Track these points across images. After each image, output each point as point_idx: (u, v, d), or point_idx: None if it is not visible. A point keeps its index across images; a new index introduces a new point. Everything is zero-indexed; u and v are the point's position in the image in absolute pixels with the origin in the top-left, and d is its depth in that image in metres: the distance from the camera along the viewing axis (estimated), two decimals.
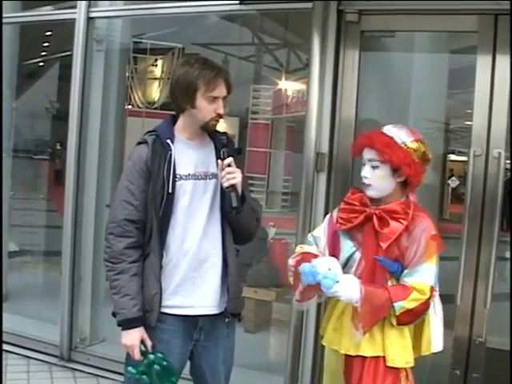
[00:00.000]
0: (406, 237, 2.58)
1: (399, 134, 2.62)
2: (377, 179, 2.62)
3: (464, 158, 3.78)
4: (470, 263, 3.47)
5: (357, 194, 2.72)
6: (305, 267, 2.53)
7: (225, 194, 2.58)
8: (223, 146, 2.60)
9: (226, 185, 2.55)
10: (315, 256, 2.66)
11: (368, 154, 2.63)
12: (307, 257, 2.65)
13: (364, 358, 2.63)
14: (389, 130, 2.65)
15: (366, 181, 2.64)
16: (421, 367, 2.84)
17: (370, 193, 2.65)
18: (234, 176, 2.55)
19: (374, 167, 2.62)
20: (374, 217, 2.61)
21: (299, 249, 2.82)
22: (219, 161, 2.59)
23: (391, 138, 2.60)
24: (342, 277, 2.51)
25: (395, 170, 2.60)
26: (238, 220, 2.63)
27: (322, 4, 3.74)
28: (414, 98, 4.56)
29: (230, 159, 2.57)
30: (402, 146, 2.60)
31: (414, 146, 2.62)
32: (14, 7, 5.60)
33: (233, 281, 2.68)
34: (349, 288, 2.50)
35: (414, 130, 2.70)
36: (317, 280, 2.49)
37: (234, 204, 2.54)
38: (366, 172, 2.64)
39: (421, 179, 2.68)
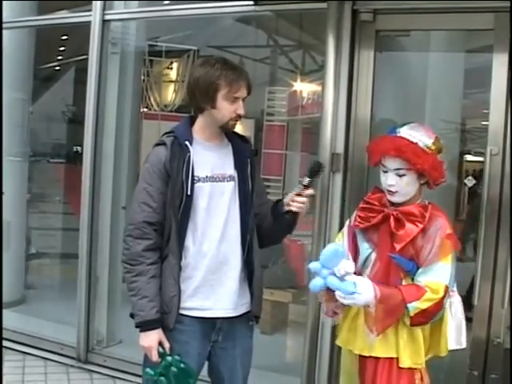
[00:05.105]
0: (422, 236, 2.57)
1: (420, 138, 2.59)
2: (404, 186, 2.60)
3: (480, 159, 3.74)
4: (487, 263, 3.43)
5: (377, 194, 2.71)
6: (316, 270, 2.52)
7: (277, 208, 2.67)
8: (313, 173, 2.63)
9: (293, 209, 2.60)
10: None
11: (393, 163, 2.59)
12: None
13: (377, 358, 2.63)
14: (409, 134, 2.61)
15: (392, 188, 2.61)
16: (438, 368, 2.83)
17: (396, 199, 2.63)
18: (302, 206, 2.62)
19: (400, 175, 2.59)
20: (391, 217, 2.61)
21: None
22: (301, 186, 2.62)
23: (416, 145, 2.57)
24: (357, 279, 2.50)
25: (421, 175, 2.59)
26: (276, 235, 2.78)
27: (336, 4, 3.71)
28: (429, 97, 4.53)
29: (311, 191, 2.63)
30: (427, 150, 2.58)
31: (434, 146, 2.61)
32: (30, 11, 5.65)
33: (257, 284, 2.72)
34: (365, 291, 2.48)
35: (428, 128, 2.68)
36: (335, 287, 2.47)
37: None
38: (392, 180, 2.60)
39: (444, 178, 2.67)
